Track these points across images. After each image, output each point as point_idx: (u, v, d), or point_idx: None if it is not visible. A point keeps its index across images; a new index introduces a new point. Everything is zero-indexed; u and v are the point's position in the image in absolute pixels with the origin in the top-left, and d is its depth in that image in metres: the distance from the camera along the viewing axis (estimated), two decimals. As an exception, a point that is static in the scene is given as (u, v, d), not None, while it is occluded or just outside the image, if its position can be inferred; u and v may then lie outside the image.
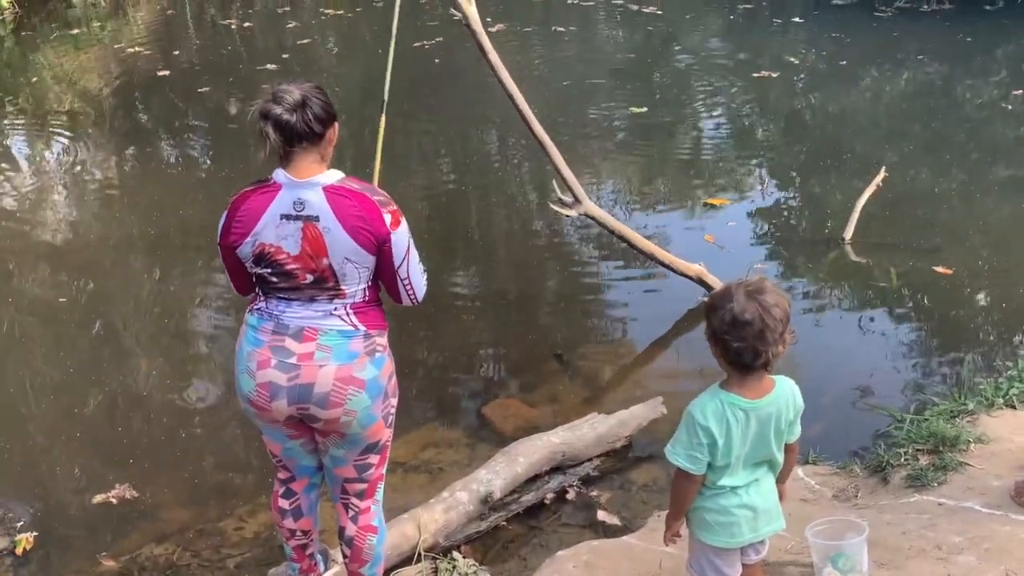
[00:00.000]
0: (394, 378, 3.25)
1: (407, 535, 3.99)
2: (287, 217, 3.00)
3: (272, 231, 3.02)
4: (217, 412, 5.35)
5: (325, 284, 3.06)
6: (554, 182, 5.76)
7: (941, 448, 3.77)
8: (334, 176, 3.05)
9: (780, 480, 2.79)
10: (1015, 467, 3.58)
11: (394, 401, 3.26)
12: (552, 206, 5.71)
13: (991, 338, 5.22)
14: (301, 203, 2.99)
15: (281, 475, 3.46)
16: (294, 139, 2.98)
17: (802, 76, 10.64)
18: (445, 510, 4.14)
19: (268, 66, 11.75)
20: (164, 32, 14.52)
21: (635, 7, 12.91)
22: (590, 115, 9.66)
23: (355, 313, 3.10)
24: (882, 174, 6.89)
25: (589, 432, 4.68)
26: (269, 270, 3.06)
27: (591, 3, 12.93)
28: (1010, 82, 9.92)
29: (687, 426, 2.63)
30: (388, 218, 3.03)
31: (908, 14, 11.65)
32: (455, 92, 10.44)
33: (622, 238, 5.82)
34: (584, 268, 6.71)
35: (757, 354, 2.54)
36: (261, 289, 3.15)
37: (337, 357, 3.06)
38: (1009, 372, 4.14)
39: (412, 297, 3.19)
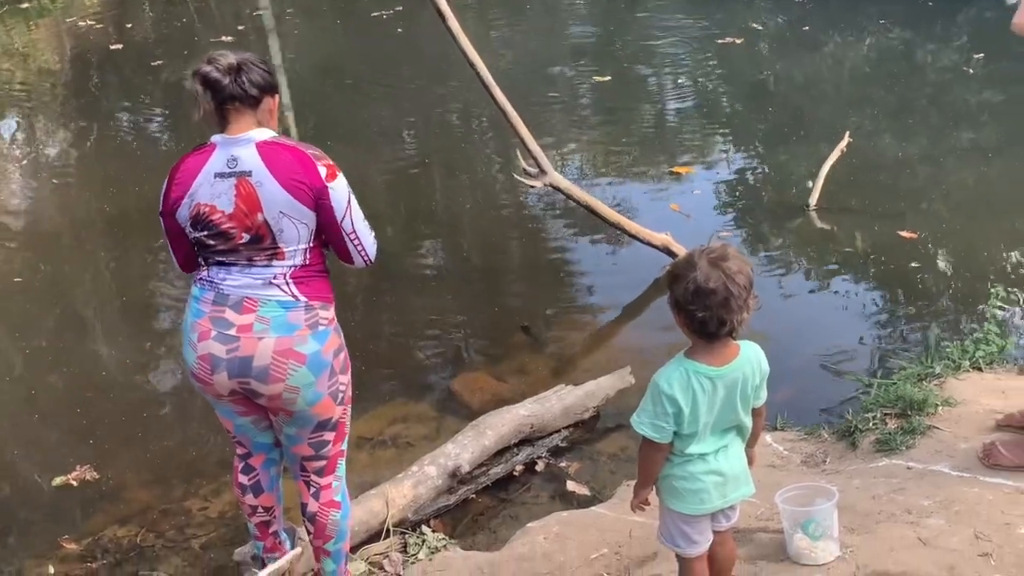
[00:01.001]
0: (343, 354, 3.16)
1: (375, 511, 3.95)
2: (221, 175, 2.96)
3: (207, 190, 2.97)
4: (178, 390, 5.27)
5: (262, 243, 2.98)
6: (519, 153, 5.69)
7: (909, 412, 3.77)
8: (267, 133, 3.02)
9: (749, 445, 2.77)
10: (982, 429, 3.59)
11: (343, 379, 3.16)
12: (517, 177, 5.65)
13: (956, 302, 5.23)
14: (234, 159, 2.95)
15: (239, 450, 3.40)
16: (226, 99, 2.96)
17: (766, 43, 10.62)
18: (414, 485, 4.10)
19: (224, 38, 11.56)
20: (117, 4, 14.24)
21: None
22: (553, 85, 9.58)
23: (295, 282, 3.02)
24: (846, 139, 6.88)
25: (557, 404, 4.65)
26: (206, 232, 3.00)
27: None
28: (970, 47, 9.94)
29: (652, 396, 2.60)
30: (323, 171, 2.97)
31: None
32: (417, 63, 10.32)
33: (588, 208, 5.78)
34: (550, 240, 6.66)
35: (722, 323, 2.51)
36: (203, 257, 3.09)
37: (276, 329, 2.99)
38: (975, 335, 4.14)
39: (364, 255, 3.10)
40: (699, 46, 10.49)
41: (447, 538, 3.96)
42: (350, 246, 3.07)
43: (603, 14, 12.10)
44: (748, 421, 2.68)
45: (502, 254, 6.58)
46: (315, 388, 3.05)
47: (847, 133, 6.93)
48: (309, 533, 3.36)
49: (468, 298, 6.00)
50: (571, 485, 4.34)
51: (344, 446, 3.29)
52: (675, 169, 7.41)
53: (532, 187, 5.62)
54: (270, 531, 3.47)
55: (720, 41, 10.34)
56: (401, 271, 6.28)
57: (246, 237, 2.98)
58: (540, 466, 4.50)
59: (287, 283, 3.02)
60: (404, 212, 7.10)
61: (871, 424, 3.80)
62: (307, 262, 3.05)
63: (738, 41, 10.32)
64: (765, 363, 2.65)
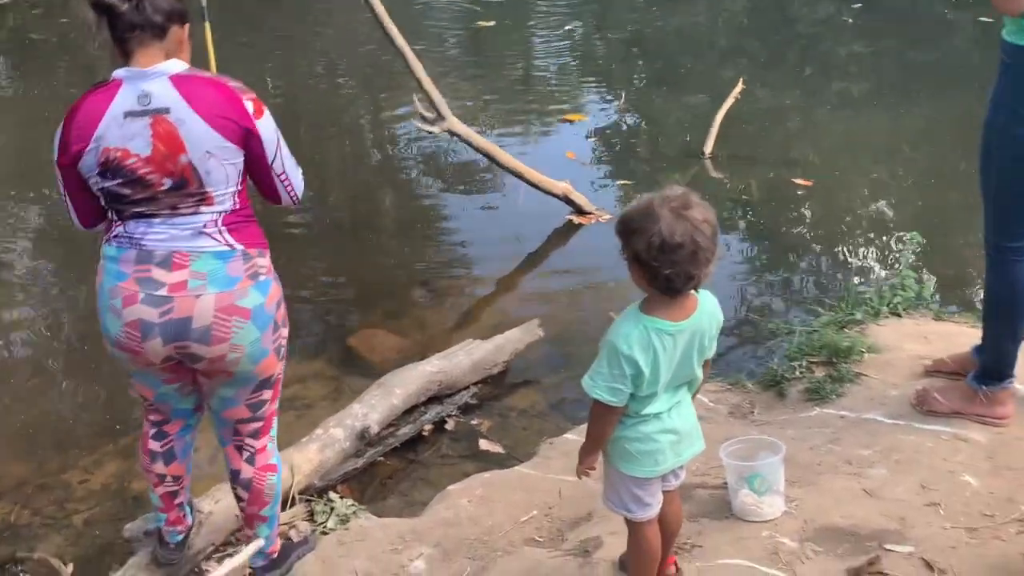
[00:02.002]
0: (283, 306, 2.86)
1: (279, 478, 3.67)
2: (132, 114, 2.59)
3: (117, 132, 2.59)
4: (49, 354, 4.83)
5: (187, 188, 2.64)
6: (415, 98, 5.39)
7: (835, 360, 3.69)
8: (181, 66, 2.65)
9: (692, 395, 2.58)
10: (911, 376, 3.53)
11: (285, 332, 2.89)
12: (414, 123, 5.36)
13: (862, 246, 5.21)
14: (146, 96, 2.58)
15: (153, 416, 3.05)
16: (126, 28, 2.59)
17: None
18: (319, 449, 3.83)
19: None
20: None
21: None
22: (432, 31, 9.25)
23: (228, 229, 2.71)
24: (740, 86, 6.83)
25: (465, 359, 4.44)
26: (119, 180, 2.63)
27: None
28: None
29: (608, 357, 2.37)
30: (250, 106, 2.66)
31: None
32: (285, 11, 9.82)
33: (487, 155, 5.54)
34: (446, 192, 6.40)
35: (689, 278, 2.29)
36: (115, 211, 2.71)
37: (214, 284, 2.66)
38: (891, 281, 4.09)
39: (292, 194, 2.82)
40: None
41: (356, 504, 3.70)
42: (279, 185, 2.79)
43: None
44: (700, 374, 2.50)
45: (395, 208, 6.30)
46: (260, 345, 2.75)
47: (740, 80, 6.87)
48: (241, 500, 3.07)
49: (361, 253, 5.71)
50: (484, 444, 4.14)
51: (277, 404, 3.02)
52: (568, 117, 7.22)
53: (429, 133, 5.33)
54: (176, 502, 3.18)
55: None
56: (289, 225, 5.93)
57: (167, 183, 2.62)
58: (450, 424, 4.28)
59: (219, 231, 2.69)
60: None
61: (797, 373, 3.71)
62: (236, 206, 2.73)
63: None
64: (720, 313, 2.47)
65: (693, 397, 2.57)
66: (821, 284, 4.77)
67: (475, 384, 4.47)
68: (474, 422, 4.28)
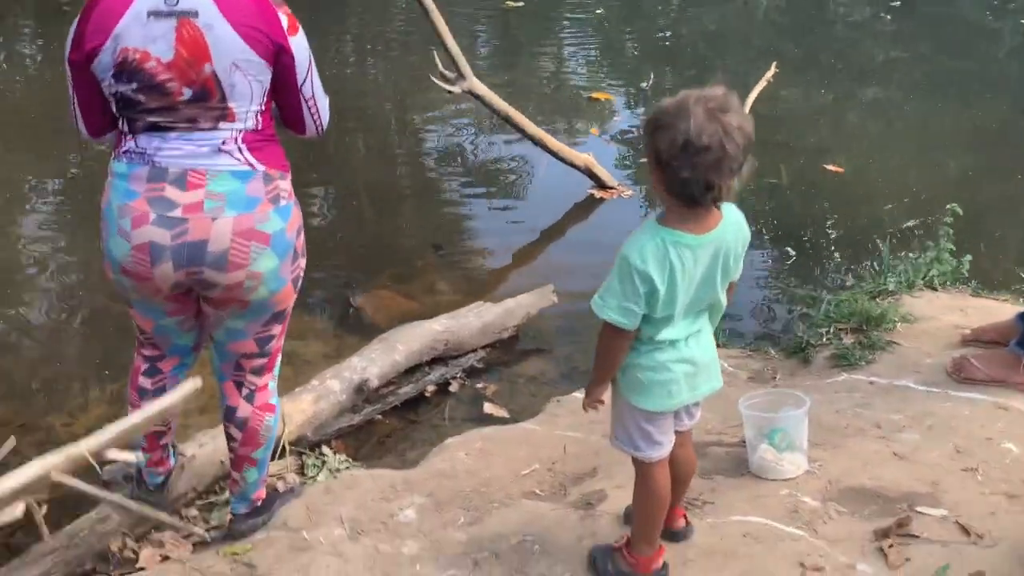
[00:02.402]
0: (302, 234, 2.65)
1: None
2: (157, 14, 2.37)
3: (138, 31, 2.37)
4: (34, 289, 4.65)
5: (208, 101, 2.43)
6: (436, 56, 5.20)
7: (866, 327, 3.45)
8: None
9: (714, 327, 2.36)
10: (947, 345, 3.30)
11: (303, 262, 2.67)
12: (434, 80, 5.15)
13: (895, 224, 4.96)
14: None
15: (147, 351, 2.84)
16: None
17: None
18: (314, 400, 3.62)
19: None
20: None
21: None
22: (458, 9, 9.05)
23: (249, 148, 2.49)
24: (772, 70, 6.59)
25: (474, 320, 4.23)
26: (135, 85, 2.41)
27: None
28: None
29: (620, 272, 2.15)
30: (284, 20, 2.45)
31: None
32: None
33: (507, 120, 5.33)
34: (463, 158, 6.20)
35: (709, 187, 2.08)
36: (127, 122, 2.49)
37: (233, 205, 2.45)
38: (928, 254, 3.86)
39: (319, 123, 2.63)
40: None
41: (350, 460, 3.49)
42: (306, 112, 2.59)
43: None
44: (724, 299, 2.28)
45: (412, 171, 6.10)
46: (279, 273, 2.54)
47: (773, 64, 6.63)
48: (233, 440, 2.85)
49: (374, 216, 5.52)
50: (488, 407, 3.92)
51: (283, 341, 2.81)
52: (594, 95, 7.02)
53: (449, 92, 5.14)
54: (161, 443, 2.99)
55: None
56: (300, 184, 5.75)
57: (187, 93, 2.41)
58: (454, 387, 4.07)
59: (239, 149, 2.48)
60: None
61: (824, 339, 3.47)
62: (259, 126, 2.52)
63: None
64: (747, 228, 2.25)
65: (714, 328, 2.35)
66: (852, 258, 4.52)
67: (483, 348, 4.26)
68: (479, 385, 4.07)
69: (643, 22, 8.94)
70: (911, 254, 4.06)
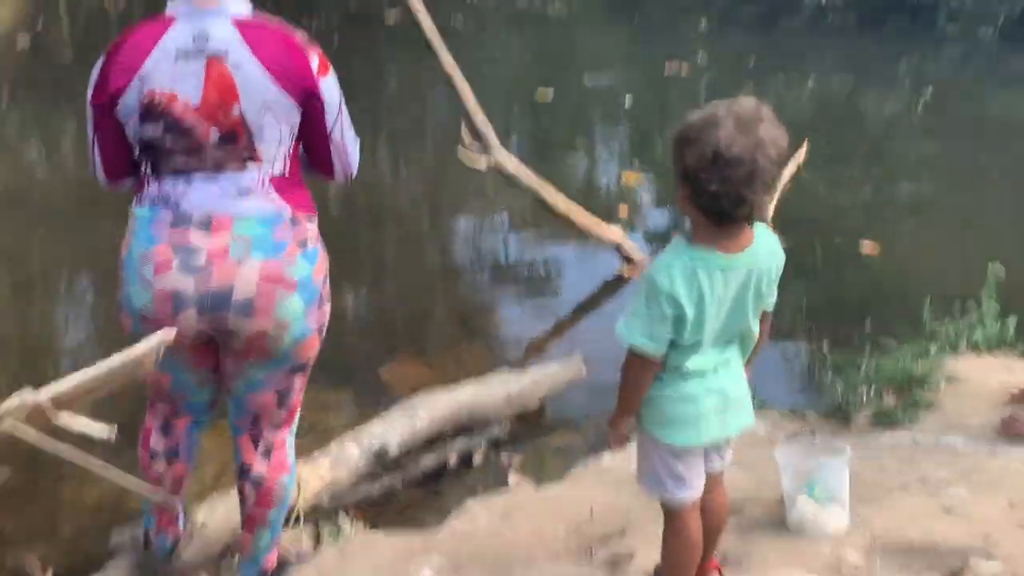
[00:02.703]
0: (328, 280, 2.58)
1: (284, 492, 3.33)
2: (185, 54, 2.33)
3: (166, 72, 2.33)
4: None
5: (235, 143, 2.37)
6: (462, 127, 5.19)
7: (908, 387, 3.30)
8: (244, 6, 2.40)
9: (747, 361, 2.23)
10: (994, 404, 3.14)
11: (328, 308, 2.59)
12: (460, 154, 5.13)
13: (936, 292, 4.81)
14: (204, 35, 2.32)
15: (160, 409, 2.74)
16: None
17: (709, 76, 10.34)
18: (331, 465, 3.50)
19: None
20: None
21: (539, 8, 12.56)
22: (493, 95, 9.12)
23: (277, 190, 2.42)
24: (804, 149, 6.54)
25: (500, 390, 4.10)
26: (161, 128, 2.35)
27: (491, 3, 12.53)
28: (911, 94, 9.79)
29: (647, 294, 2.04)
30: (315, 62, 2.40)
31: (813, 23, 11.55)
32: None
33: (536, 195, 5.28)
34: (494, 232, 6.15)
35: (740, 201, 1.98)
36: (151, 165, 2.44)
37: (260, 249, 2.37)
38: (970, 316, 3.71)
39: (348, 168, 2.56)
40: (641, 72, 10.16)
41: (367, 529, 3.35)
42: (335, 155, 2.53)
43: (544, 42, 11.72)
44: (756, 328, 2.15)
45: (443, 245, 6.05)
46: (305, 321, 2.46)
47: (805, 142, 6.59)
48: (245, 499, 2.73)
49: (404, 288, 5.45)
50: (513, 478, 3.77)
51: (303, 395, 2.72)
52: (626, 175, 7.00)
53: (476, 167, 5.10)
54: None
55: (665, 72, 10.01)
56: (334, 254, 5.73)
57: (215, 136, 2.36)
58: (478, 458, 3.93)
59: (267, 191, 2.41)
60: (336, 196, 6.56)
61: (864, 400, 3.32)
62: (286, 169, 2.46)
63: (683, 71, 10.01)
64: (781, 251, 2.14)
65: (748, 363, 2.22)
66: (891, 326, 4.37)
67: (508, 418, 4.13)
68: (504, 457, 3.93)
69: (672, 110, 8.98)
70: (957, 309, 3.93)
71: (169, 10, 2.39)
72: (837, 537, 2.43)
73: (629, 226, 5.85)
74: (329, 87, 2.44)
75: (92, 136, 2.49)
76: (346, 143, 2.53)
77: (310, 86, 2.40)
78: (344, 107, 2.50)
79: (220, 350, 2.55)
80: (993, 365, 3.50)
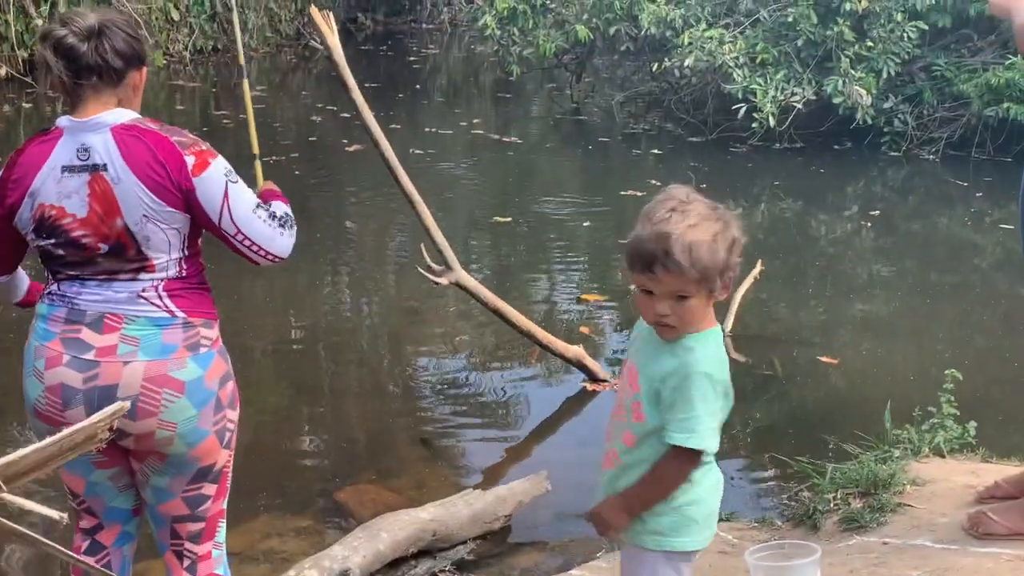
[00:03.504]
0: (231, 383, 2.58)
1: (243, 620, 3.22)
2: (70, 169, 2.41)
3: (52, 187, 2.41)
4: None
5: (125, 254, 2.44)
6: (423, 247, 5.23)
7: (874, 491, 3.28)
8: (126, 115, 2.46)
9: None
10: (961, 504, 3.12)
11: (232, 415, 2.57)
12: (421, 271, 5.15)
13: (897, 402, 4.83)
14: (85, 150, 2.41)
15: (84, 523, 2.68)
16: (82, 71, 2.42)
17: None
18: (290, 591, 3.39)
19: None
20: None
21: (496, 137, 12.80)
22: (453, 221, 9.22)
23: (170, 295, 2.46)
24: (759, 267, 6.65)
25: (464, 509, 4.03)
26: (53, 240, 2.44)
27: (449, 132, 12.74)
28: (859, 217, 10.01)
29: (704, 393, 2.02)
30: (190, 161, 2.44)
31: (761, 150, 11.85)
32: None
33: (496, 312, 5.29)
34: (453, 349, 6.11)
35: None
36: (49, 271, 2.52)
37: (147, 351, 2.42)
38: (932, 420, 3.72)
39: (262, 255, 2.55)
40: (598, 197, 10.33)
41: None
42: (242, 249, 2.54)
43: (498, 169, 11.95)
44: None
45: (397, 364, 6.00)
46: (196, 424, 2.46)
47: (759, 262, 6.70)
48: None
49: (358, 409, 5.38)
50: (479, 601, 3.68)
51: (225, 504, 2.67)
52: (584, 296, 7.04)
53: (436, 284, 5.12)
54: None
55: (623, 193, 10.20)
56: (283, 375, 5.66)
57: (104, 247, 2.43)
58: (443, 581, 3.83)
59: (159, 296, 2.46)
60: (289, 315, 6.52)
61: (832, 505, 3.29)
62: (182, 274, 2.50)
63: (639, 194, 10.22)
64: None
65: None
66: (853, 436, 4.36)
67: (473, 539, 4.05)
68: (470, 579, 3.83)
69: (629, 230, 9.14)
70: (917, 414, 3.94)
71: (58, 123, 2.47)
72: (812, 642, 2.38)
73: (591, 347, 5.86)
74: (207, 183, 2.45)
75: None
76: (246, 232, 2.50)
77: (187, 188, 2.43)
78: (232, 194, 2.48)
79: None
80: (957, 468, 3.49)
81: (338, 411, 5.37)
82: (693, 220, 2.04)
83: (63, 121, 2.46)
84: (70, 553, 1.78)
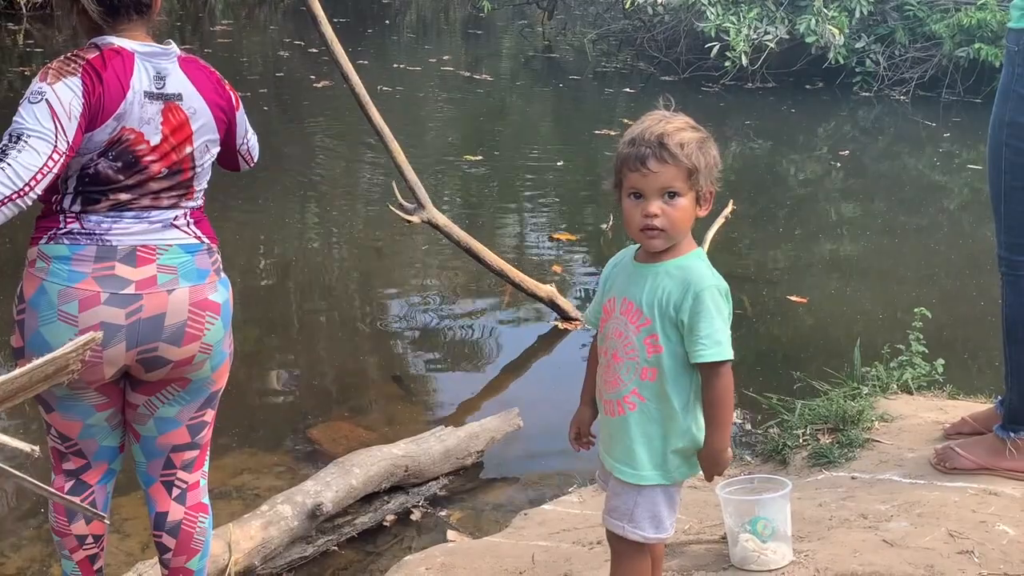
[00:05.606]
0: None
1: (214, 555, 3.20)
2: (150, 96, 2.40)
3: (136, 113, 2.38)
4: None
5: (179, 178, 2.47)
6: (395, 185, 5.18)
7: (843, 427, 3.32)
8: (175, 46, 2.51)
9: None
10: (928, 440, 3.16)
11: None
12: (392, 209, 5.12)
13: (865, 338, 4.88)
14: (161, 78, 2.41)
15: (69, 464, 2.65)
16: (121, 10, 2.39)
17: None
18: (263, 526, 3.40)
19: None
20: None
21: (466, 74, 12.67)
22: (422, 160, 9.15)
23: (195, 222, 2.53)
24: (730, 207, 6.65)
25: (436, 445, 4.04)
26: (119, 163, 2.39)
27: (418, 68, 12.60)
28: (829, 157, 10.04)
29: (717, 305, 2.10)
30: (234, 96, 2.60)
31: (733, 90, 11.82)
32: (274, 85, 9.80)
33: (468, 251, 5.27)
34: (424, 289, 6.10)
35: None
36: (82, 200, 2.41)
37: (187, 278, 2.45)
38: (900, 358, 3.76)
39: (251, 162, 2.75)
40: (572, 136, 10.30)
41: (302, 595, 3.25)
42: (241, 161, 2.71)
43: (470, 108, 11.84)
44: None
45: (369, 304, 5.98)
46: (222, 346, 2.56)
47: (731, 201, 6.70)
48: (165, 551, 2.67)
49: (330, 347, 5.36)
50: (452, 535, 3.70)
51: (212, 431, 2.74)
52: (556, 235, 7.02)
53: (407, 222, 5.09)
54: (95, 568, 2.75)
55: (597, 132, 10.17)
56: (253, 313, 5.62)
57: (164, 172, 2.44)
58: (416, 516, 3.85)
59: (188, 223, 2.51)
60: (259, 253, 6.46)
61: (801, 440, 3.33)
62: (202, 203, 2.59)
63: (612, 132, 10.19)
64: None
65: None
66: (824, 372, 4.40)
67: (446, 475, 4.07)
68: (443, 514, 3.86)
69: (601, 171, 9.09)
70: (886, 352, 3.98)
71: (119, 43, 2.40)
72: (781, 572, 2.42)
73: (563, 286, 5.86)
74: (241, 115, 2.61)
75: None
76: (249, 147, 2.71)
77: (232, 120, 2.56)
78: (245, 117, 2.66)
79: (128, 389, 2.56)
80: (924, 404, 3.53)
81: (310, 349, 5.35)
82: (681, 125, 2.11)
83: (126, 43, 2.39)
84: (54, 491, 1.77)
